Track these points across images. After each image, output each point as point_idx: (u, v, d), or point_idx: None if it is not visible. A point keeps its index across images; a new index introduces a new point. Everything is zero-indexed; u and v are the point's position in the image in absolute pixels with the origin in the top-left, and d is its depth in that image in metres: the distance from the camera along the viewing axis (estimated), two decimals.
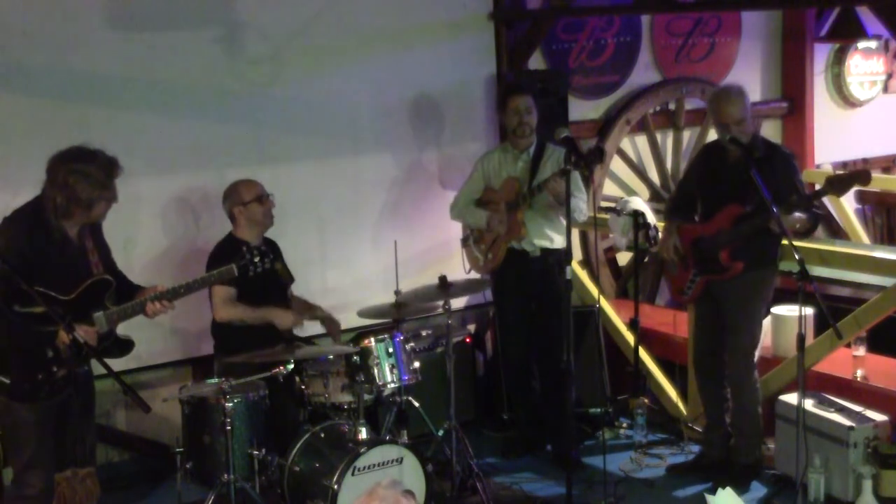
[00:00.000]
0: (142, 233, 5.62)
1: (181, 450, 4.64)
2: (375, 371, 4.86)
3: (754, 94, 7.60)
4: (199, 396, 4.72)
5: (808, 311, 5.39)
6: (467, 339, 6.32)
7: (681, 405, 6.10)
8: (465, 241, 5.96)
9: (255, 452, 4.65)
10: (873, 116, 8.42)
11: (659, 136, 7.44)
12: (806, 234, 5.15)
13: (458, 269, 5.90)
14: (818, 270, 5.63)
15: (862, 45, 8.20)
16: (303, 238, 5.98)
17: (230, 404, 4.55)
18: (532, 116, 5.65)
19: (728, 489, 2.88)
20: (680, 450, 5.86)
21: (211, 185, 5.63)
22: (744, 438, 5.38)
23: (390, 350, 4.91)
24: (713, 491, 2.96)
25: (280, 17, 5.90)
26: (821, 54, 8.10)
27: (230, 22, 5.79)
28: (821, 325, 5.43)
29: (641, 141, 7.43)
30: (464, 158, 6.35)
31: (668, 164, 7.49)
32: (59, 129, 4.99)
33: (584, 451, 5.85)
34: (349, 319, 5.48)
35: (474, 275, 5.90)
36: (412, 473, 4.67)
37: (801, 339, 4.62)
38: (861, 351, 5.48)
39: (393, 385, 4.94)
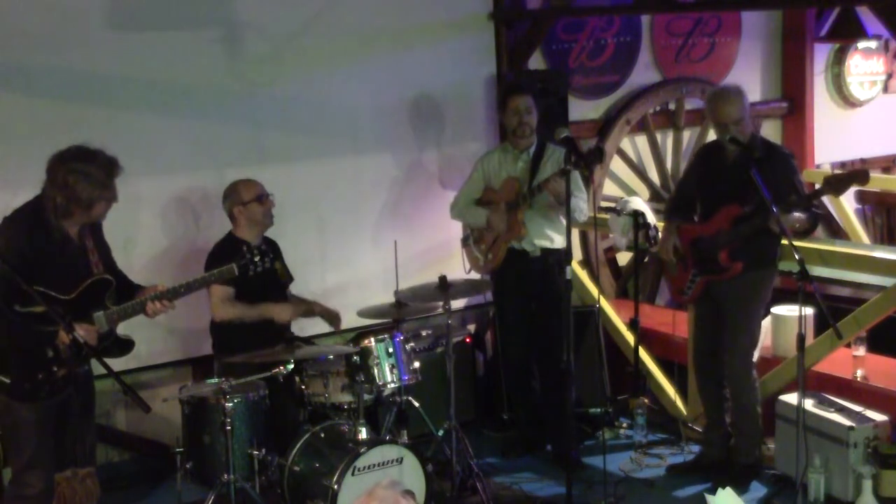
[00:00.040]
0: (142, 233, 5.61)
1: (181, 450, 4.64)
2: (375, 371, 4.87)
3: (754, 94, 7.60)
4: (199, 396, 4.73)
5: (808, 311, 5.39)
6: (467, 339, 6.32)
7: (680, 405, 6.09)
8: (465, 241, 5.96)
9: (255, 452, 4.65)
10: (873, 116, 8.41)
11: (659, 136, 7.44)
12: (805, 233, 5.14)
13: (458, 269, 5.90)
14: (818, 270, 5.63)
15: (862, 45, 8.20)
16: (303, 238, 5.98)
17: (230, 404, 4.54)
18: (532, 116, 5.65)
19: (728, 489, 2.88)
20: (680, 450, 5.86)
21: (211, 185, 5.63)
22: (744, 438, 5.38)
23: (390, 350, 4.91)
24: (713, 491, 2.95)
25: (280, 17, 5.90)
26: (821, 54, 8.09)
27: (230, 22, 5.79)
28: (821, 325, 5.42)
29: (641, 141, 7.42)
30: (464, 158, 6.35)
31: (668, 164, 7.49)
32: (59, 129, 4.97)
33: (584, 451, 5.85)
34: (349, 319, 5.48)
35: (474, 275, 5.90)
36: (412, 473, 4.66)
37: (801, 339, 4.62)
38: (861, 351, 5.47)
39: (393, 385, 4.94)
